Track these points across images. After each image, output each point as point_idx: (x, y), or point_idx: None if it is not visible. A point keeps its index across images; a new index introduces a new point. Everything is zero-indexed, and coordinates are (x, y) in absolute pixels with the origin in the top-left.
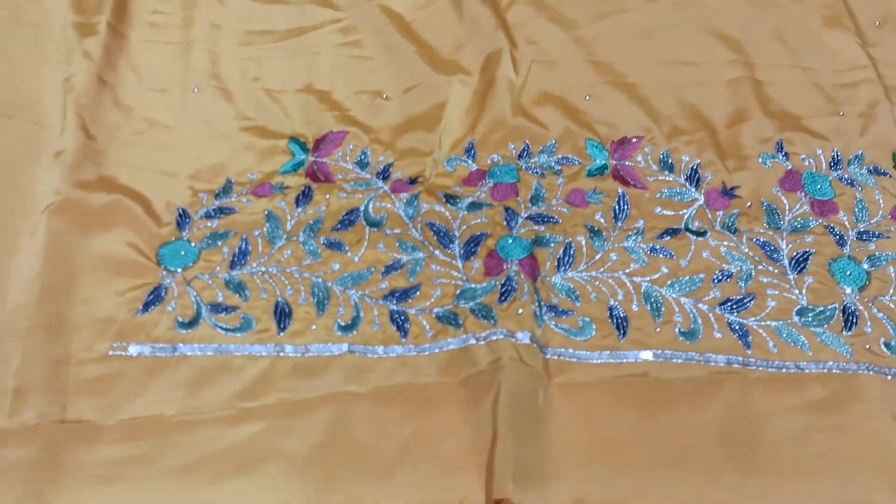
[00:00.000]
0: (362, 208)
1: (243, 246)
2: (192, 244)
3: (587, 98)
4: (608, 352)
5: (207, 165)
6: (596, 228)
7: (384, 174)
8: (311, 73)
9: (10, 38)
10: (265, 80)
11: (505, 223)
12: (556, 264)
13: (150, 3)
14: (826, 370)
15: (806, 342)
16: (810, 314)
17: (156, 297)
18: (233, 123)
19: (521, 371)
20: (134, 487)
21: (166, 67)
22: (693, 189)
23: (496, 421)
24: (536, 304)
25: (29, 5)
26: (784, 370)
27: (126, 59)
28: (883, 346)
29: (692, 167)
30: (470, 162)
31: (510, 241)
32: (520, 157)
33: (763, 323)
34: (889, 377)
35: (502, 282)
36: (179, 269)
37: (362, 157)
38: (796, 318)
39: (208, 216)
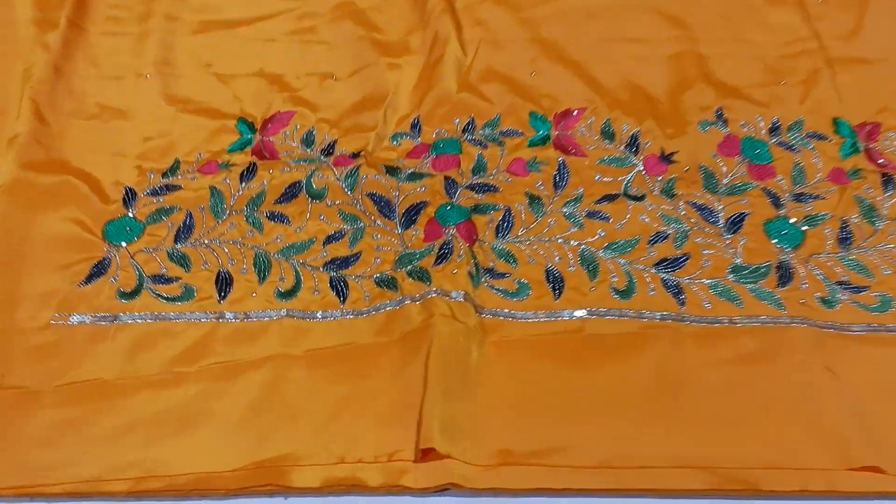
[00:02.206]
0: (304, 181)
1: (187, 220)
2: (138, 220)
3: (532, 74)
4: (544, 311)
5: (157, 146)
6: (535, 196)
7: (328, 150)
8: (263, 58)
9: None
10: (217, 66)
11: (445, 192)
12: (495, 230)
13: None
14: (759, 324)
15: (739, 297)
16: (745, 271)
17: (99, 269)
18: (183, 106)
19: (453, 328)
20: (71, 450)
21: (121, 56)
22: (632, 156)
23: (427, 376)
24: (473, 266)
25: None
26: (717, 324)
27: (83, 49)
28: (818, 301)
29: (632, 135)
30: (416, 137)
31: (449, 208)
32: (464, 130)
33: (698, 281)
34: (824, 330)
35: (439, 246)
36: (124, 244)
37: (308, 135)
38: (730, 276)
39: (154, 193)
